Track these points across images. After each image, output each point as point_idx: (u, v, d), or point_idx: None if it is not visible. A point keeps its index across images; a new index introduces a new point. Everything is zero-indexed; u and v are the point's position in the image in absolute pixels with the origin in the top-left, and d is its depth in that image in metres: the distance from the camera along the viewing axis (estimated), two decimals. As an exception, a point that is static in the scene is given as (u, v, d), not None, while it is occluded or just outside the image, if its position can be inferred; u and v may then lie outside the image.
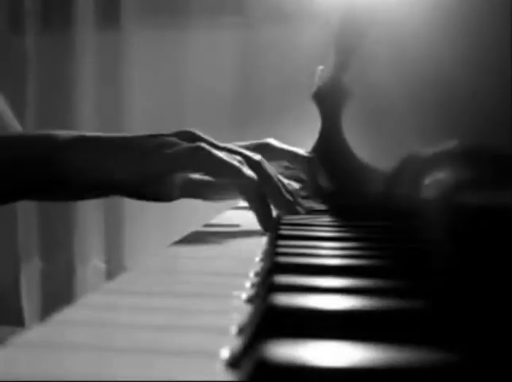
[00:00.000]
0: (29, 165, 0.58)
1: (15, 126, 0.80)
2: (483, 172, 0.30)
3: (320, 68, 0.99)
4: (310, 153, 0.87)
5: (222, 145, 0.59)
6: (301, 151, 0.84)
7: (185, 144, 0.55)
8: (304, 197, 0.83)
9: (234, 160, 0.54)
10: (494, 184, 0.29)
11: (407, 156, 0.44)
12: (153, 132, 0.61)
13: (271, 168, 0.60)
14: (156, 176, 0.56)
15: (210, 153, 0.53)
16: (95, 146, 0.58)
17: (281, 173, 0.80)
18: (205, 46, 1.81)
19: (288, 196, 0.60)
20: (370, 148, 0.64)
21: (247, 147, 0.77)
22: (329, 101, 0.87)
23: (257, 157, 0.59)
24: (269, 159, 0.76)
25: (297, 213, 0.60)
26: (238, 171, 0.53)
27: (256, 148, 0.79)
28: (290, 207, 0.60)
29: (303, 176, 0.83)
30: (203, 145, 0.54)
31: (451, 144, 0.35)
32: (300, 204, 0.62)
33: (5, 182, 0.59)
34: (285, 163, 0.82)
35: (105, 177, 0.57)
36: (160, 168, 0.55)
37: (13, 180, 0.59)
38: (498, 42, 0.29)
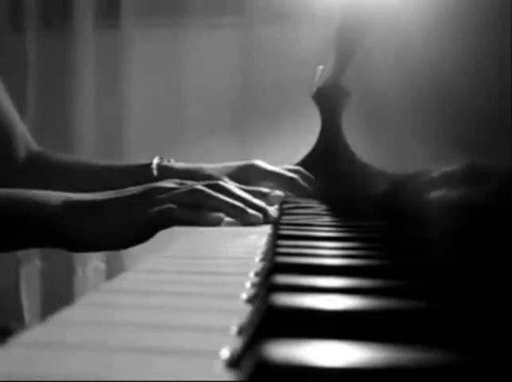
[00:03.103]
0: (27, 227, 0.63)
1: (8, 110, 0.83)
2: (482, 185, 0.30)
3: (320, 68, 0.99)
4: (297, 166, 0.88)
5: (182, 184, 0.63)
6: (286, 172, 0.85)
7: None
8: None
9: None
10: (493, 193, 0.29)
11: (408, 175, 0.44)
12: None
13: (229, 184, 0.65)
14: (142, 237, 0.63)
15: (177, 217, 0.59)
16: (87, 211, 0.62)
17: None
18: (205, 46, 1.81)
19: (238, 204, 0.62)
20: (370, 148, 0.64)
21: (234, 168, 0.82)
22: (329, 101, 0.88)
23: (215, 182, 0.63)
24: (254, 180, 0.80)
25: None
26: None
27: (242, 169, 0.82)
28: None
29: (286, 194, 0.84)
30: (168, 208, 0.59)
31: (453, 166, 0.35)
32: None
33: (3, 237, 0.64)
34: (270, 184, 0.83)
35: (98, 240, 0.62)
36: (144, 232, 0.62)
37: (12, 237, 0.64)
38: (498, 43, 0.29)
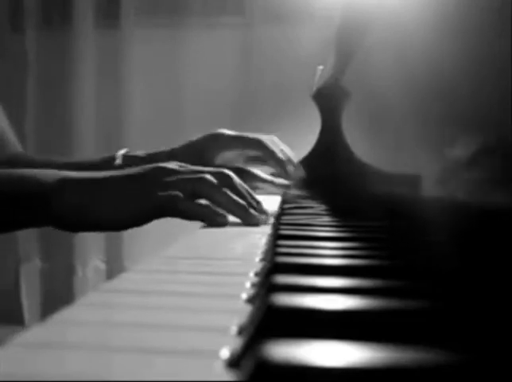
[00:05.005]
0: (25, 204, 0.62)
1: (12, 139, 0.83)
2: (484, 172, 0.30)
3: (320, 68, 0.99)
4: (298, 164, 0.89)
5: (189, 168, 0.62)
6: (250, 134, 0.87)
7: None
8: (303, 197, 0.83)
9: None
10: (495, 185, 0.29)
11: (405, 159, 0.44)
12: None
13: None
14: (144, 221, 0.61)
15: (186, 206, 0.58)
16: (85, 188, 0.61)
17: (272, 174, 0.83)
18: (205, 46, 1.81)
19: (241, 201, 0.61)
20: (370, 148, 0.64)
21: (199, 140, 0.84)
22: (329, 101, 0.88)
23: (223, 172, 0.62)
24: (223, 147, 0.83)
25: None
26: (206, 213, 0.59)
27: (208, 139, 0.84)
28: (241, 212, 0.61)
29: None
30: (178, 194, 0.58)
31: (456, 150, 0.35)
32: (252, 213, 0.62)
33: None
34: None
35: (96, 218, 0.61)
36: (148, 216, 0.60)
37: (7, 215, 0.63)
38: (498, 43, 0.29)
